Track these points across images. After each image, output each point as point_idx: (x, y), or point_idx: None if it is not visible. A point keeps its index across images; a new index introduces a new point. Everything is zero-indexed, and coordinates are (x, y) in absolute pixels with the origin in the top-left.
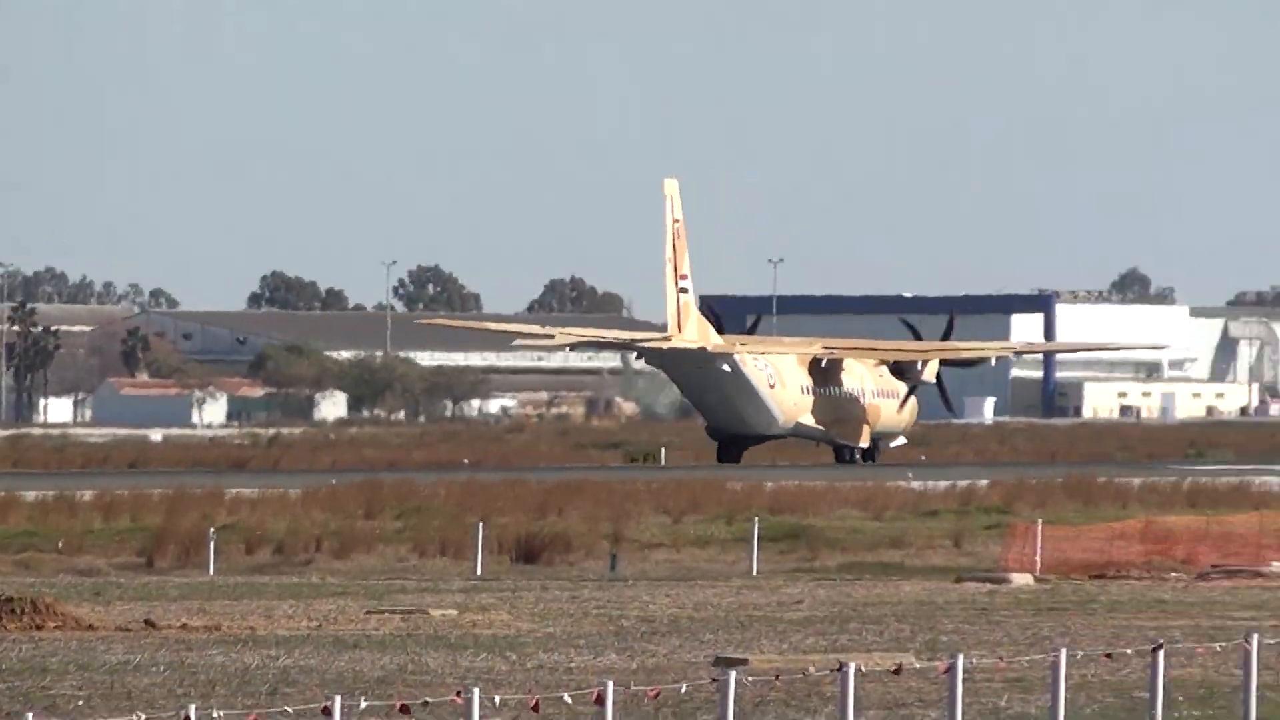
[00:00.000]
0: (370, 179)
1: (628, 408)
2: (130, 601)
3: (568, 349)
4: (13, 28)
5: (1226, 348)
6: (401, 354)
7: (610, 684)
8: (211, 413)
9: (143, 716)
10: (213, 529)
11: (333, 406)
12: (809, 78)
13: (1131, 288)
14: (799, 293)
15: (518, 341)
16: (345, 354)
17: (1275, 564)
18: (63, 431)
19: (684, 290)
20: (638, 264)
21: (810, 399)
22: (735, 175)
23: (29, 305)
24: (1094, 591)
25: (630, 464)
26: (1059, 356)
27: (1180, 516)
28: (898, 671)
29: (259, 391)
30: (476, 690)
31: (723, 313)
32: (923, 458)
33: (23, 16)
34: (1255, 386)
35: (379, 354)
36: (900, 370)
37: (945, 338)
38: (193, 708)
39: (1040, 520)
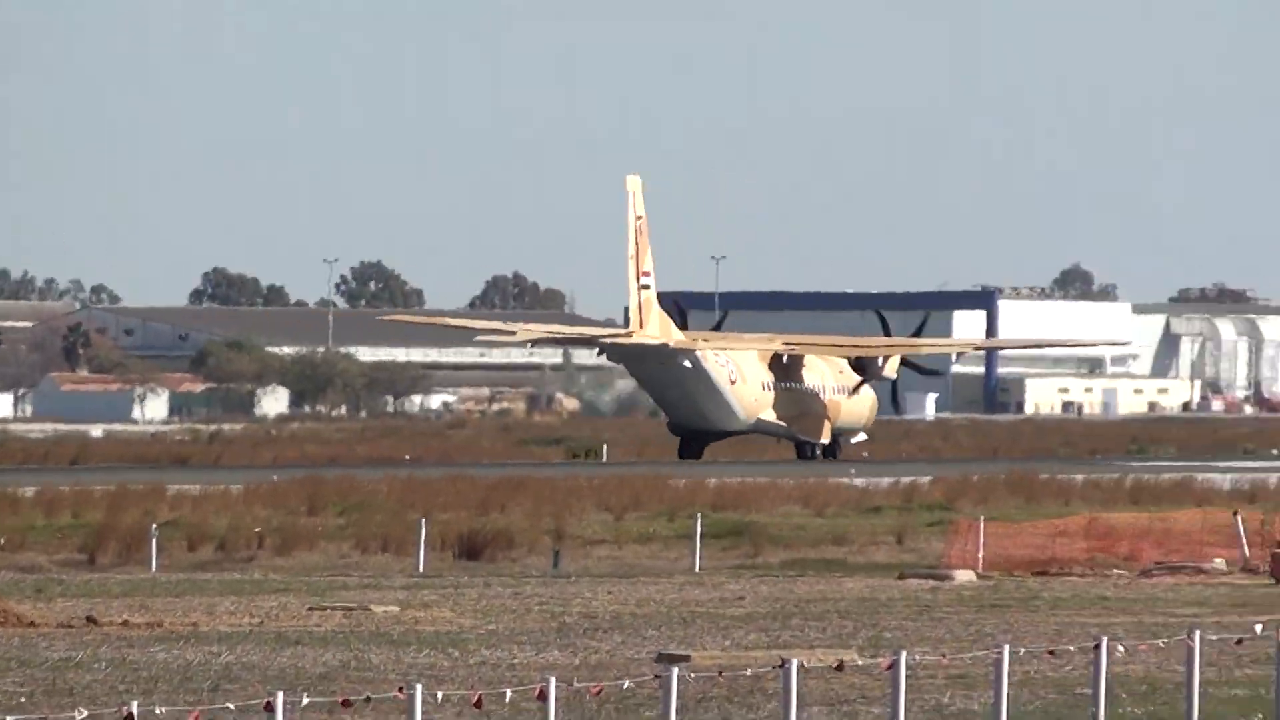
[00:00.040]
0: (312, 176)
1: (569, 404)
2: (72, 598)
3: (529, 345)
4: None
5: (1169, 344)
6: (343, 350)
7: (553, 681)
8: (153, 408)
9: (85, 713)
10: (154, 525)
11: (274, 402)
12: (749, 73)
13: (1074, 284)
14: (741, 289)
15: (479, 338)
16: (287, 350)
17: (1218, 560)
18: (3, 427)
19: (646, 287)
20: (579, 260)
21: (771, 395)
22: (677, 172)
23: None
24: (1037, 588)
25: (572, 460)
26: (1001, 352)
27: (1123, 513)
28: (840, 668)
29: (200, 387)
30: (419, 686)
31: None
32: (865, 454)
33: None
34: (1197, 383)
35: (320, 350)
36: (862, 366)
37: (918, 334)
38: (135, 704)
39: (983, 517)
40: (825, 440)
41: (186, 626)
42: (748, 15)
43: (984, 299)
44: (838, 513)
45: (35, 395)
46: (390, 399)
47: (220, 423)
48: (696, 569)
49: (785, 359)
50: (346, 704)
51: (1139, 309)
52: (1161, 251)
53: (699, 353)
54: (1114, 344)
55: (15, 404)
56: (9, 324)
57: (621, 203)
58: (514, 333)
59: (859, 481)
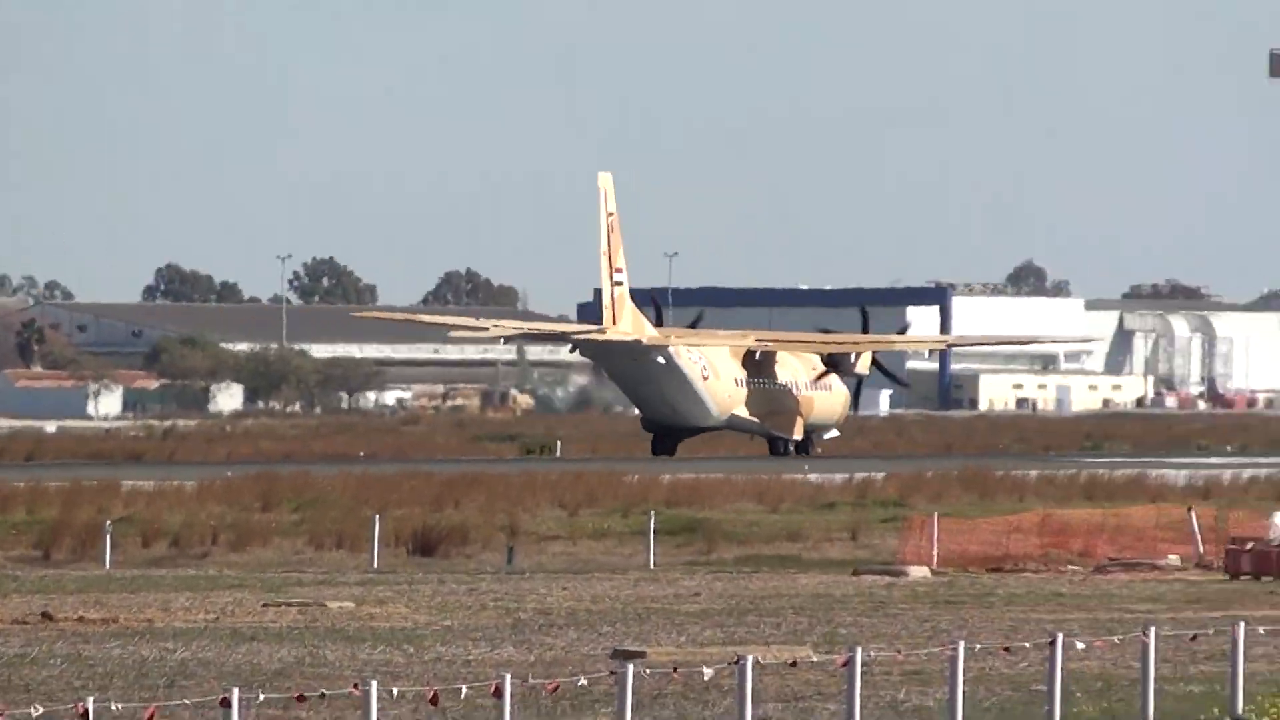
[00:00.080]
0: (264, 172)
1: (523, 400)
2: (27, 594)
3: (502, 341)
4: None
5: (1122, 340)
6: (297, 346)
7: (508, 677)
8: (107, 405)
9: (40, 709)
10: (109, 522)
11: (228, 399)
12: (702, 71)
13: (1027, 280)
14: (694, 286)
15: (452, 334)
16: (241, 346)
17: (1172, 557)
18: None
19: (619, 283)
20: (532, 257)
21: (744, 391)
22: (630, 168)
23: None
24: (991, 584)
25: (526, 456)
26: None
27: (1077, 509)
28: (795, 664)
29: (154, 384)
30: (374, 683)
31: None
32: (819, 450)
33: None
34: (1151, 379)
35: (274, 346)
36: (834, 363)
37: (864, 330)
38: (90, 700)
39: (937, 513)
40: (798, 436)
41: (142, 622)
42: (692, 11)
43: (937, 296)
44: (792, 509)
45: None
46: (345, 395)
47: (174, 419)
48: (651, 565)
49: (758, 355)
50: (301, 699)
51: (1092, 305)
52: (1114, 248)
53: (672, 349)
54: (1084, 340)
55: None
56: None
57: (573, 199)
58: (487, 329)
59: (813, 478)
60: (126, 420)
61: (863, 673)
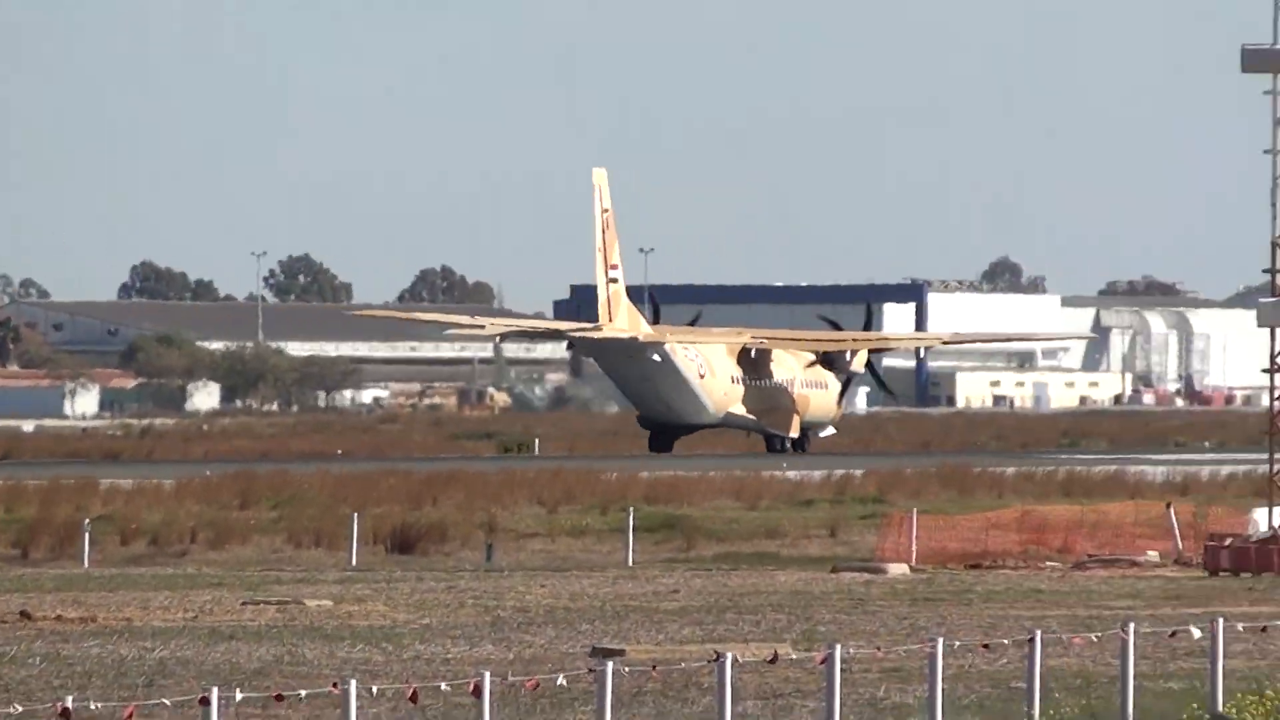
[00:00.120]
0: (239, 169)
1: (500, 398)
2: (5, 593)
3: (498, 338)
4: None
5: (1099, 337)
6: (273, 344)
7: (487, 675)
8: (83, 404)
9: (19, 709)
10: (87, 520)
11: (205, 397)
12: (677, 69)
13: (1002, 277)
14: (671, 282)
15: (449, 331)
16: (216, 345)
17: (1151, 553)
18: None
19: (614, 280)
20: (507, 254)
21: (740, 389)
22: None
23: None
24: (970, 581)
25: (504, 454)
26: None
27: (1056, 506)
28: (774, 661)
29: (131, 382)
30: (354, 681)
31: (585, 301)
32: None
33: None
34: (1128, 376)
35: (250, 345)
36: (829, 361)
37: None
38: (69, 699)
39: (915, 510)
40: (794, 434)
41: (120, 621)
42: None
43: (913, 292)
44: (770, 506)
45: None
46: (322, 394)
47: (151, 418)
48: (629, 563)
49: (754, 353)
50: (280, 699)
51: (1068, 302)
52: (1090, 244)
53: (668, 346)
54: (1078, 337)
55: None
56: None
57: (552, 196)
58: (483, 326)
59: (791, 475)
60: (104, 419)
61: (842, 670)
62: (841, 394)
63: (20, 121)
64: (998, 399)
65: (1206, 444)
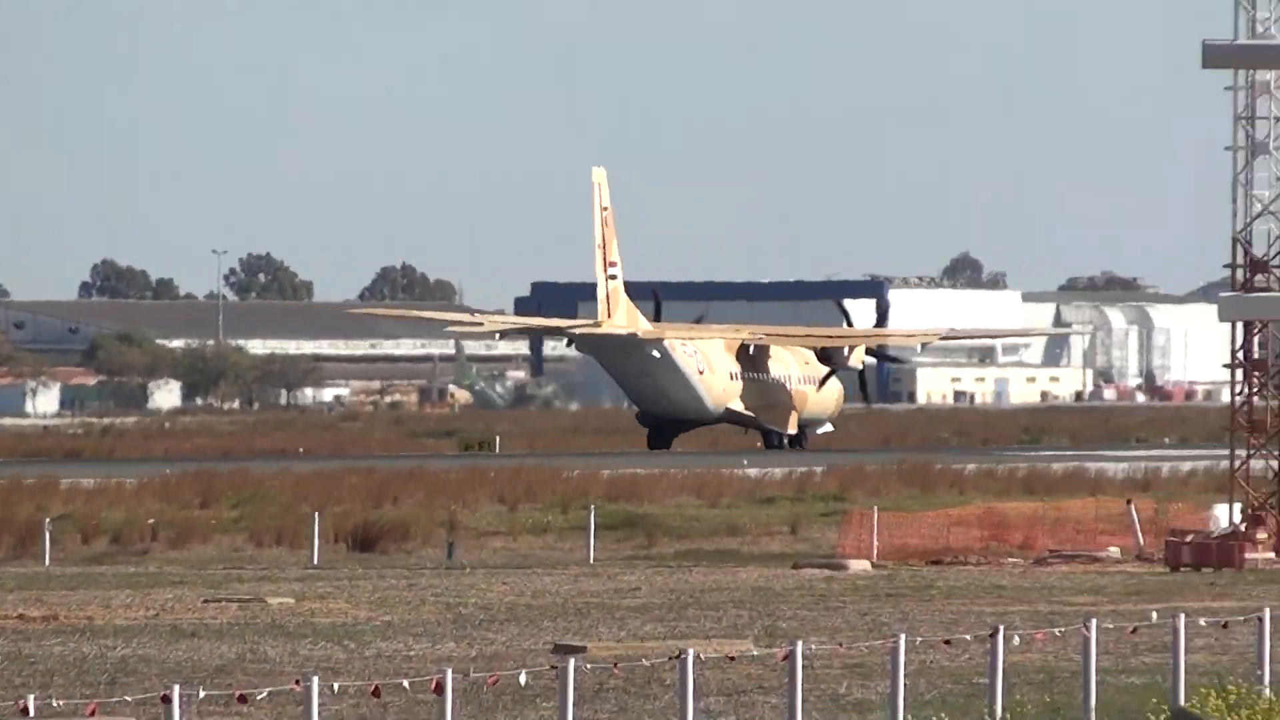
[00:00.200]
0: (199, 167)
1: (461, 396)
2: None
3: (497, 335)
4: None
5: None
6: (234, 343)
7: (449, 672)
8: (44, 402)
9: None
10: (48, 519)
11: (166, 395)
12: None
13: (963, 273)
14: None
15: (449, 329)
16: (177, 343)
17: (1112, 549)
18: None
19: (613, 277)
20: (467, 251)
21: (739, 385)
22: (569, 161)
23: None
24: (932, 577)
25: (465, 452)
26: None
27: (1017, 502)
28: (733, 659)
29: (92, 380)
30: (315, 679)
31: (546, 299)
32: (759, 444)
33: None
34: (1089, 372)
35: (211, 343)
36: (827, 357)
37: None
38: (31, 698)
39: (876, 507)
40: (792, 430)
41: (82, 620)
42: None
43: (874, 288)
44: (731, 503)
45: None
46: (283, 392)
47: (113, 416)
48: (591, 560)
49: (752, 349)
50: (243, 700)
51: (1029, 297)
52: (1050, 241)
53: (667, 342)
54: (1068, 333)
55: None
56: None
57: (506, 193)
58: (481, 324)
59: (752, 472)
60: (65, 418)
61: (804, 666)
62: (821, 384)
63: None
64: (958, 395)
65: (1167, 439)
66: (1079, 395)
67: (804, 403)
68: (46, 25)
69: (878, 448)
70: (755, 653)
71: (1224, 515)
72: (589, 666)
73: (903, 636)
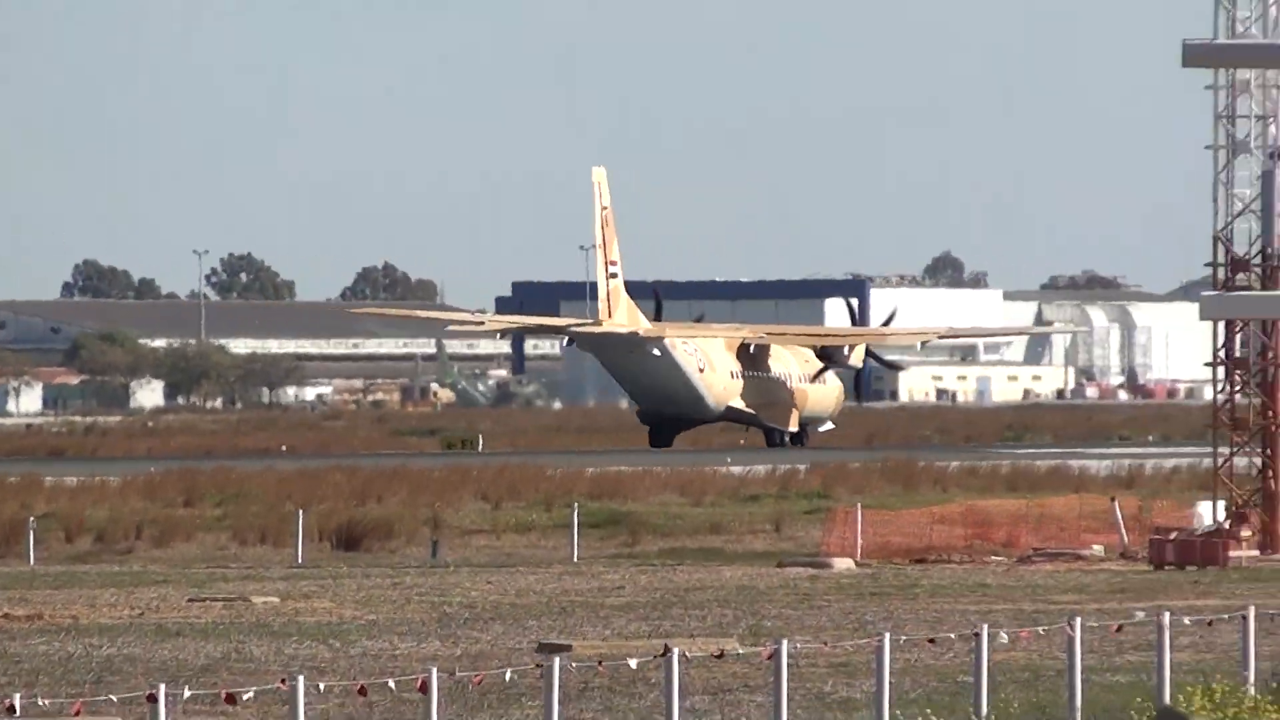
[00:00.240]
0: (181, 168)
1: (444, 394)
2: None
3: (498, 335)
4: None
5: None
6: (216, 342)
7: (434, 670)
8: (27, 401)
9: None
10: (32, 518)
11: (149, 394)
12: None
13: (945, 272)
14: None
15: (450, 327)
16: (159, 342)
17: (1096, 547)
18: None
19: (614, 276)
20: (449, 251)
21: (739, 383)
22: (545, 161)
23: None
24: (916, 576)
25: (448, 450)
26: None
27: (1000, 500)
28: (720, 656)
29: (75, 380)
30: (301, 678)
31: (527, 298)
32: (742, 441)
33: None
34: (1071, 370)
35: (193, 342)
36: (828, 355)
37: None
38: (17, 697)
39: (860, 505)
40: (794, 428)
41: (67, 619)
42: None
43: (855, 287)
44: (715, 502)
45: None
46: (265, 390)
47: (95, 415)
48: (574, 558)
49: (752, 348)
50: (230, 700)
51: (1010, 296)
52: (1031, 239)
53: (668, 341)
54: (1064, 331)
55: None
56: None
57: (485, 192)
58: (482, 323)
59: (736, 470)
60: (48, 417)
61: (789, 665)
62: (855, 386)
63: None
64: (940, 393)
65: (1150, 437)
66: (1061, 393)
67: (805, 401)
68: (24, 28)
69: (861, 446)
70: (740, 651)
71: (1207, 513)
72: (573, 665)
73: (887, 635)
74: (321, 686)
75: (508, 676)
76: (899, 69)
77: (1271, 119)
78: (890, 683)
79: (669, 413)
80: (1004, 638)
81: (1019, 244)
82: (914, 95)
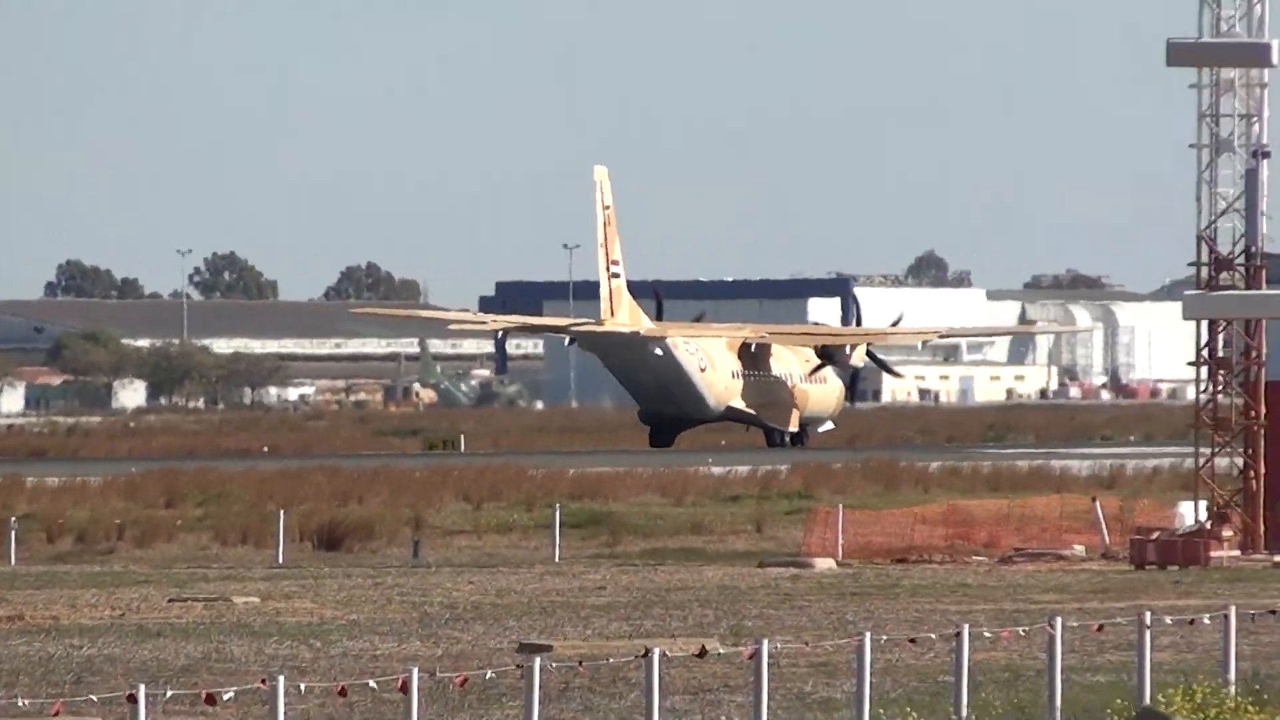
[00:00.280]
0: (163, 167)
1: (426, 394)
2: None
3: (500, 334)
4: None
5: (1090, 329)
6: (199, 342)
7: (415, 671)
8: (9, 401)
9: None
10: (14, 518)
11: (132, 394)
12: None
13: (928, 271)
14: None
15: (452, 326)
16: (142, 342)
17: (1077, 547)
18: None
19: (615, 275)
20: (432, 251)
21: (740, 383)
22: (528, 161)
23: None
24: (897, 576)
25: (430, 451)
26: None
27: (982, 500)
28: (702, 655)
29: (57, 380)
30: (282, 678)
31: (510, 298)
32: (723, 442)
33: None
34: (1054, 369)
35: (176, 342)
36: (829, 355)
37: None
38: None
39: (841, 505)
40: (794, 428)
41: (47, 619)
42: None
43: (838, 286)
44: (696, 502)
45: None
46: (248, 390)
47: (78, 415)
48: (556, 559)
49: (753, 348)
50: (210, 701)
51: (994, 295)
52: (1014, 239)
53: (669, 340)
54: (1078, 330)
55: None
56: None
57: (468, 192)
58: (486, 322)
59: (717, 470)
60: (30, 416)
61: (770, 665)
62: (850, 387)
63: None
64: (923, 393)
65: (1132, 437)
66: (1044, 393)
67: (806, 401)
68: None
69: (842, 445)
70: (722, 651)
71: (1189, 513)
72: (554, 665)
73: (868, 635)
74: (302, 687)
75: (489, 676)
76: (889, 70)
77: (1255, 118)
78: (871, 683)
79: (670, 413)
80: (988, 635)
81: (1002, 243)
82: (900, 96)
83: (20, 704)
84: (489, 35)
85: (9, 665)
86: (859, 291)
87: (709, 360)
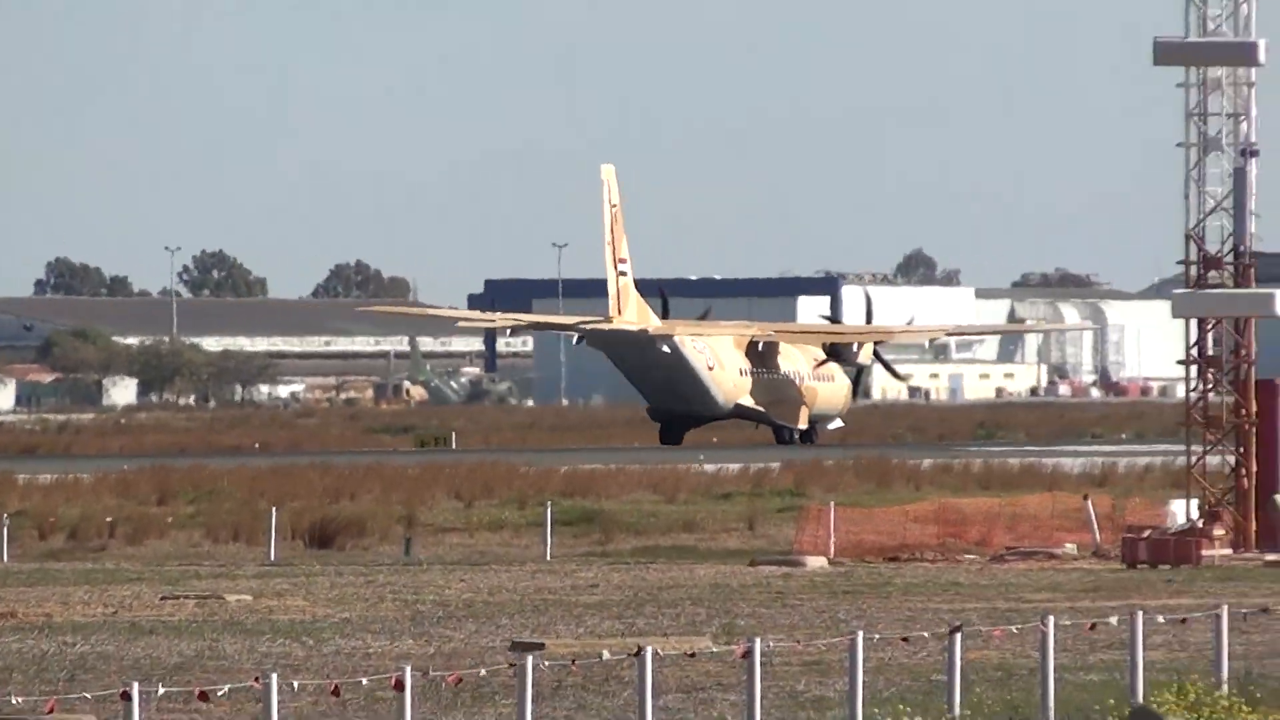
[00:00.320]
0: (153, 164)
1: (416, 392)
2: None
3: (508, 331)
4: None
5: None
6: (188, 339)
7: (409, 669)
8: None
9: None
10: (5, 515)
11: (122, 392)
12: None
13: (917, 270)
14: (585, 276)
15: (461, 324)
16: (132, 339)
17: (1069, 545)
18: None
19: (623, 274)
20: (420, 248)
21: (749, 380)
22: (518, 158)
23: None
24: (889, 574)
25: (421, 448)
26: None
27: (974, 498)
28: (693, 655)
29: (48, 377)
30: (274, 676)
31: (499, 296)
32: (714, 440)
33: None
34: (1044, 367)
35: (166, 339)
36: (836, 353)
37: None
38: None
39: (833, 503)
40: (803, 426)
41: (40, 616)
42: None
43: (827, 285)
44: (688, 499)
45: None
46: (238, 388)
47: (68, 412)
48: (548, 556)
49: (761, 345)
50: (203, 697)
51: (982, 294)
52: (1003, 237)
53: (678, 338)
54: (1077, 329)
55: None
56: None
57: (457, 189)
58: (493, 320)
59: (709, 468)
60: (20, 414)
61: (762, 663)
62: (855, 385)
63: None
64: (913, 391)
65: (1123, 435)
66: (1034, 391)
67: (814, 398)
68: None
69: (834, 443)
70: (714, 649)
71: (1181, 511)
72: (546, 663)
73: (860, 633)
74: (295, 684)
75: (481, 674)
76: (879, 71)
77: (1243, 116)
78: (863, 681)
79: (679, 410)
80: (984, 630)
81: (991, 242)
82: (890, 96)
83: (14, 701)
84: (488, 35)
85: (2, 663)
86: (870, 290)
87: (717, 358)
